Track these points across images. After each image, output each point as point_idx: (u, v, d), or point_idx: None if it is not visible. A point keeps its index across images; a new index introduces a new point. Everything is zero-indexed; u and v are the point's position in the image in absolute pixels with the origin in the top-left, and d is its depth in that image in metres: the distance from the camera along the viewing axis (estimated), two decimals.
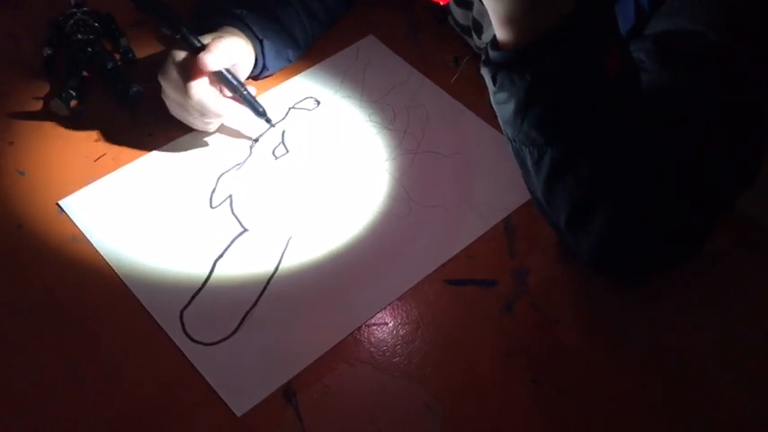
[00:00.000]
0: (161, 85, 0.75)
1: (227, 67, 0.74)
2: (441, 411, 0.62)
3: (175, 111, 0.77)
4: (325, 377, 0.63)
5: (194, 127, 0.78)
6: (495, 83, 0.58)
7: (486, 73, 0.59)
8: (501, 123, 0.62)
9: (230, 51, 0.74)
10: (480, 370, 0.64)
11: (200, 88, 0.72)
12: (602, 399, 0.63)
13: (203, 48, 0.72)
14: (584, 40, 0.54)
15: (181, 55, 0.73)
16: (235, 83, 0.75)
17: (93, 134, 0.79)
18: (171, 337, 0.64)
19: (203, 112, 0.74)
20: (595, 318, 0.68)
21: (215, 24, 0.78)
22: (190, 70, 0.72)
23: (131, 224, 0.72)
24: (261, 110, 0.78)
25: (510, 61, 0.56)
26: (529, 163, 0.61)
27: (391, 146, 0.80)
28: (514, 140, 0.61)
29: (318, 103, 0.84)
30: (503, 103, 0.59)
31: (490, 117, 0.82)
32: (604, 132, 0.57)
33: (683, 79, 0.62)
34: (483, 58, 0.59)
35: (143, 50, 0.87)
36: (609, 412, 0.62)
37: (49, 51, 0.83)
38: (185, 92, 0.72)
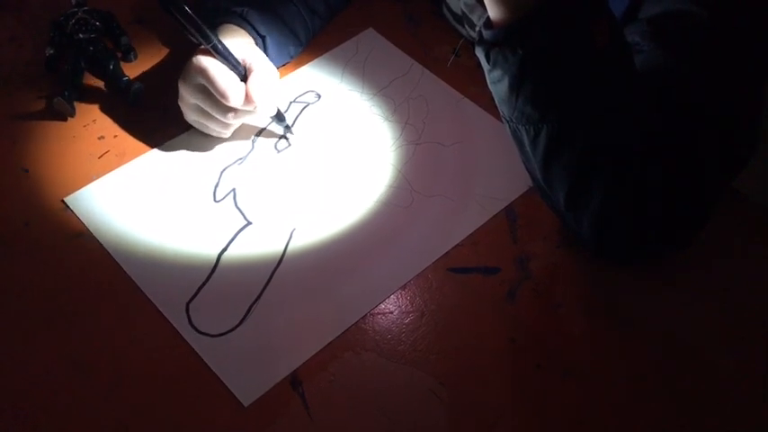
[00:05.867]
0: (179, 92, 0.74)
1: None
2: (446, 397, 0.62)
3: (193, 116, 0.77)
4: (331, 366, 0.64)
5: (209, 132, 0.78)
6: (489, 61, 0.59)
7: (480, 53, 0.60)
8: (497, 104, 0.62)
9: (275, 83, 0.75)
10: (484, 356, 0.65)
11: (241, 97, 0.73)
12: (606, 383, 0.64)
13: (237, 61, 0.73)
14: (570, 13, 0.56)
15: (204, 62, 0.71)
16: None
17: (97, 132, 0.80)
18: (177, 329, 0.65)
19: (238, 116, 0.75)
20: (598, 303, 0.69)
21: (217, 22, 0.78)
22: (226, 84, 0.71)
23: (136, 219, 0.73)
24: (284, 120, 0.80)
25: (502, 38, 0.57)
26: (526, 142, 0.62)
27: (393, 137, 0.81)
28: (511, 120, 0.62)
29: (319, 96, 0.84)
30: (497, 82, 0.60)
31: (490, 107, 0.82)
32: (597, 105, 0.58)
33: (677, 56, 0.63)
34: (477, 38, 0.61)
35: (144, 48, 0.87)
36: (612, 396, 0.63)
37: (51, 51, 0.84)
38: (220, 101, 0.72)
